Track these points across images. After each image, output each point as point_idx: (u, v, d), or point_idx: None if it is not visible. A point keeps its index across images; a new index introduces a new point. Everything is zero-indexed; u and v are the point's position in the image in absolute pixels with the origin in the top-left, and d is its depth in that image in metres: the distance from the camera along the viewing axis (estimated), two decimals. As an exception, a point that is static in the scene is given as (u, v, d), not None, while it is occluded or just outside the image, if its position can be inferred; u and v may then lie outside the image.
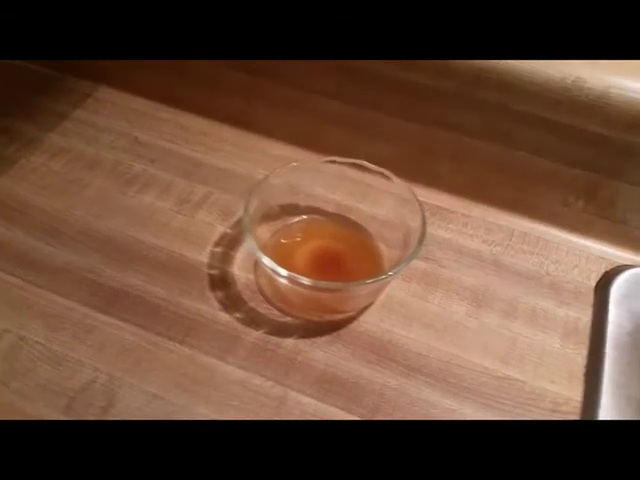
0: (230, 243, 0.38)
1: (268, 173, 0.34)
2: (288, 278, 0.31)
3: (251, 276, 0.36)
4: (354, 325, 0.34)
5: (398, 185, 0.34)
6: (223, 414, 0.30)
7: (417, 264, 0.37)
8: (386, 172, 0.35)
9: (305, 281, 0.30)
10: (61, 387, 0.31)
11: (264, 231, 0.35)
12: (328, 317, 0.34)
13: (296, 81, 0.41)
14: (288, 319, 0.34)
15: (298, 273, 0.30)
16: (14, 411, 0.30)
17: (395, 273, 0.30)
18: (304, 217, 0.37)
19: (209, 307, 0.35)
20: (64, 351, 0.32)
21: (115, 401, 0.30)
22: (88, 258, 0.36)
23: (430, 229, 0.34)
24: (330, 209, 0.37)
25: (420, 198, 0.33)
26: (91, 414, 0.30)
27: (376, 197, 0.36)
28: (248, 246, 0.32)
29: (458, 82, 0.36)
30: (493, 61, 0.34)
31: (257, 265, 0.36)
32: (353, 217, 0.37)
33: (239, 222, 0.39)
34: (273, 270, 0.31)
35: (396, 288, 0.36)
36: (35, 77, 0.48)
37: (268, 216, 0.35)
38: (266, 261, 0.31)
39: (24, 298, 0.34)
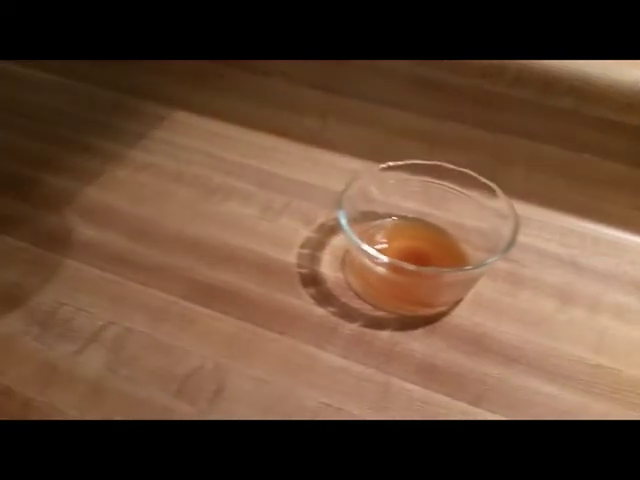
0: (316, 245, 0.39)
1: (349, 180, 0.35)
2: (389, 265, 0.32)
3: (339, 274, 0.37)
4: (446, 319, 0.35)
5: (483, 186, 0.36)
6: (331, 398, 0.31)
7: (500, 265, 0.38)
8: (468, 172, 0.36)
9: (408, 267, 0.31)
10: (170, 373, 0.31)
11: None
12: (420, 312, 0.35)
13: (371, 95, 0.43)
14: (381, 313, 0.35)
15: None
16: (125, 396, 0.30)
17: (487, 264, 0.32)
18: (387, 220, 0.39)
19: (303, 302, 0.35)
20: (169, 340, 0.33)
21: (225, 385, 0.31)
22: (182, 258, 0.37)
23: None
24: (411, 213, 0.39)
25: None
26: (203, 398, 0.30)
27: (458, 199, 0.37)
28: (348, 238, 0.33)
29: (531, 89, 0.38)
30: (564, 66, 0.37)
31: (345, 264, 0.38)
32: (434, 220, 0.38)
33: (321, 227, 0.40)
34: (374, 257, 0.32)
35: (483, 286, 0.36)
36: (110, 101, 0.50)
37: (353, 220, 0.36)
38: (367, 249, 0.32)
39: (125, 293, 0.35)
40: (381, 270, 0.33)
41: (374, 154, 0.41)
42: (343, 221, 0.33)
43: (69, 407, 0.30)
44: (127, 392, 0.30)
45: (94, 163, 0.44)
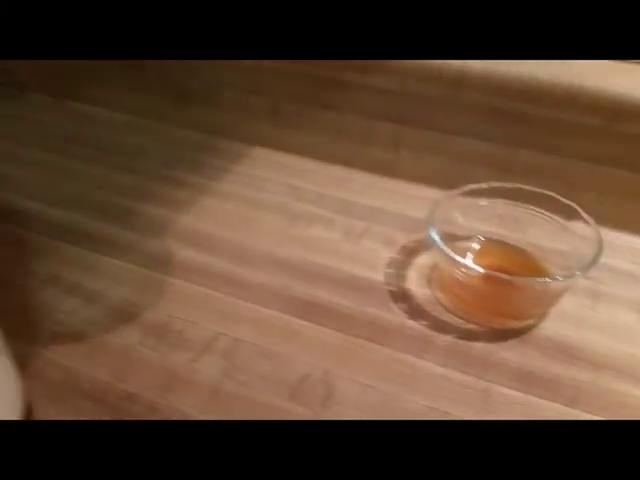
0: (400, 264, 0.41)
1: (432, 204, 0.38)
2: (482, 276, 0.34)
3: (427, 291, 0.39)
4: (535, 331, 0.37)
5: (564, 207, 0.38)
6: (435, 403, 0.32)
7: (578, 282, 0.40)
8: (549, 193, 0.39)
9: (503, 277, 0.33)
10: (281, 379, 0.33)
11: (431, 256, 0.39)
12: (510, 324, 0.37)
13: (442, 125, 0.46)
14: (472, 326, 0.37)
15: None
16: (244, 399, 0.32)
17: (576, 276, 0.34)
18: (469, 242, 0.41)
19: (396, 316, 0.37)
20: (277, 349, 0.35)
21: (334, 391, 0.33)
22: (276, 277, 0.40)
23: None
24: (493, 235, 0.41)
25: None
26: (315, 402, 0.32)
27: (539, 220, 0.39)
28: (440, 252, 0.35)
29: (601, 116, 0.41)
30: (633, 94, 0.39)
31: (432, 280, 0.40)
32: (515, 242, 0.40)
33: (403, 248, 0.42)
34: (468, 269, 0.34)
35: (565, 301, 0.38)
36: (191, 139, 0.54)
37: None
38: (462, 260, 0.34)
39: (229, 308, 0.37)
40: (473, 283, 0.35)
41: (447, 182, 0.43)
42: (436, 236, 0.36)
43: (192, 409, 0.32)
44: (244, 395, 0.32)
45: (185, 194, 0.47)
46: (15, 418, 0.27)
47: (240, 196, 0.48)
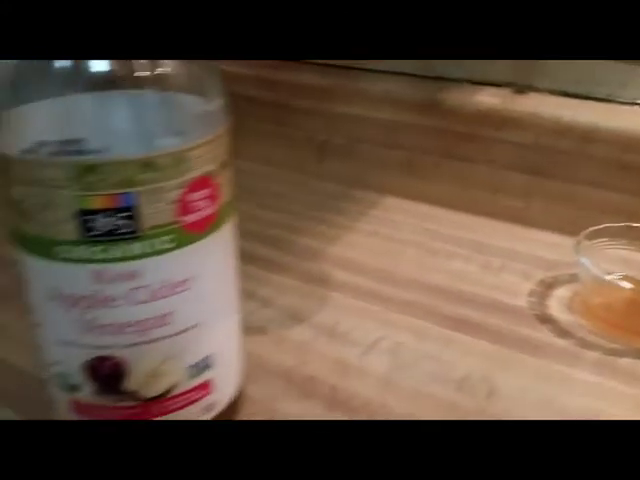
0: (541, 295, 0.44)
1: (573, 242, 0.41)
2: (633, 291, 0.37)
3: (569, 317, 0.42)
4: (680, 354, 0.38)
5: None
6: (595, 403, 0.34)
7: None
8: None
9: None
10: (445, 376, 0.36)
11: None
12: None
13: (573, 176, 0.50)
14: (617, 346, 0.39)
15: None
16: (413, 389, 0.35)
17: None
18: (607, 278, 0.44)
19: (543, 335, 0.40)
20: (436, 354, 0.38)
21: (495, 389, 0.35)
22: (425, 298, 0.44)
23: None
24: (628, 273, 0.44)
25: None
26: (480, 396, 0.35)
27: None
28: (588, 274, 0.38)
29: None
30: None
31: (573, 308, 0.42)
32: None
33: (541, 282, 0.46)
34: (617, 287, 0.37)
35: None
36: (328, 190, 0.60)
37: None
38: (611, 278, 0.37)
39: (388, 319, 0.41)
40: (619, 304, 0.38)
41: (577, 230, 0.46)
42: (585, 260, 0.39)
43: (370, 392, 0.35)
44: (414, 385, 0.35)
45: (331, 231, 0.53)
46: (235, 393, 0.31)
47: (381, 234, 0.53)
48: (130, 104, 0.22)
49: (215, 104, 0.25)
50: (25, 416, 0.32)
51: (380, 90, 0.57)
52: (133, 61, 0.21)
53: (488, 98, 0.52)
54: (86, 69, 0.21)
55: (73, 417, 0.27)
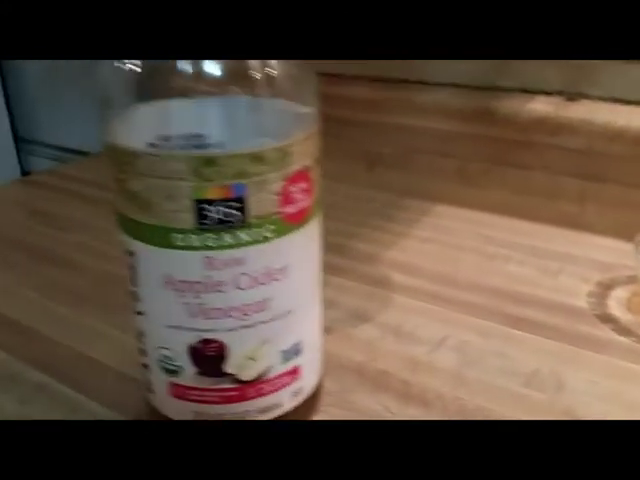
0: (600, 295, 0.45)
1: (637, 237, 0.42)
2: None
3: (629, 317, 0.43)
4: None
5: None
6: (663, 399, 0.35)
7: None
8: None
9: None
10: (513, 371, 0.37)
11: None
12: None
13: (626, 180, 0.51)
14: (681, 344, 0.40)
15: None
16: (484, 383, 0.36)
17: None
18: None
19: (605, 333, 0.41)
20: (502, 350, 0.39)
21: (563, 383, 0.36)
22: (485, 299, 0.45)
23: None
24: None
25: None
26: (549, 390, 0.36)
27: None
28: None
29: None
30: None
31: (632, 307, 0.43)
32: None
33: (599, 284, 0.46)
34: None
35: None
36: (380, 199, 0.62)
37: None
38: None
39: (450, 318, 0.43)
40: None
41: (632, 233, 0.47)
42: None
43: (442, 387, 0.36)
44: (484, 380, 0.37)
45: (386, 237, 0.54)
46: (318, 382, 0.32)
47: (435, 239, 0.54)
48: (242, 107, 0.24)
49: (311, 106, 0.27)
50: (117, 412, 0.34)
51: (432, 101, 0.59)
52: (247, 68, 0.23)
53: (541, 106, 0.53)
54: (205, 72, 0.23)
55: (171, 401, 0.29)
